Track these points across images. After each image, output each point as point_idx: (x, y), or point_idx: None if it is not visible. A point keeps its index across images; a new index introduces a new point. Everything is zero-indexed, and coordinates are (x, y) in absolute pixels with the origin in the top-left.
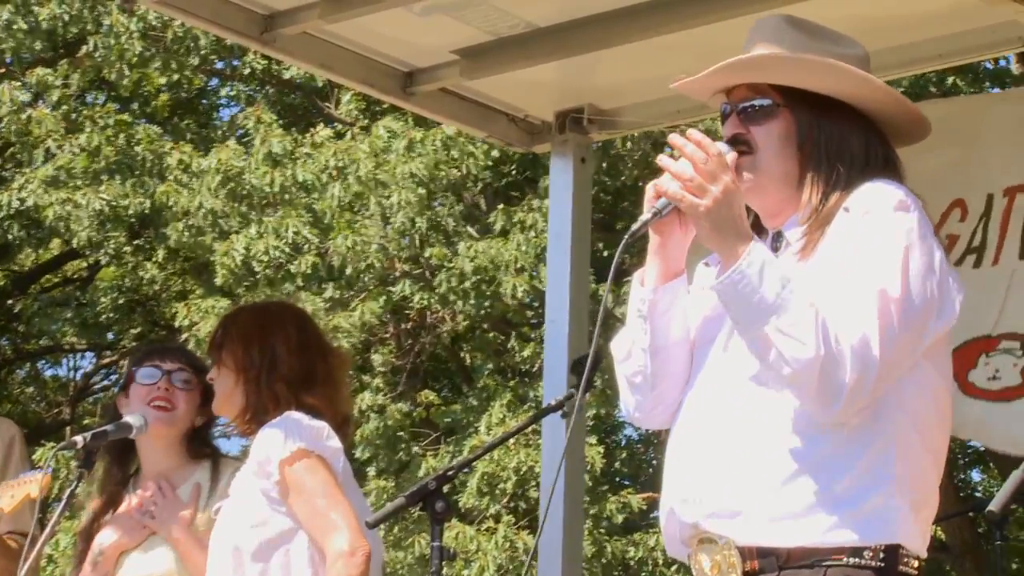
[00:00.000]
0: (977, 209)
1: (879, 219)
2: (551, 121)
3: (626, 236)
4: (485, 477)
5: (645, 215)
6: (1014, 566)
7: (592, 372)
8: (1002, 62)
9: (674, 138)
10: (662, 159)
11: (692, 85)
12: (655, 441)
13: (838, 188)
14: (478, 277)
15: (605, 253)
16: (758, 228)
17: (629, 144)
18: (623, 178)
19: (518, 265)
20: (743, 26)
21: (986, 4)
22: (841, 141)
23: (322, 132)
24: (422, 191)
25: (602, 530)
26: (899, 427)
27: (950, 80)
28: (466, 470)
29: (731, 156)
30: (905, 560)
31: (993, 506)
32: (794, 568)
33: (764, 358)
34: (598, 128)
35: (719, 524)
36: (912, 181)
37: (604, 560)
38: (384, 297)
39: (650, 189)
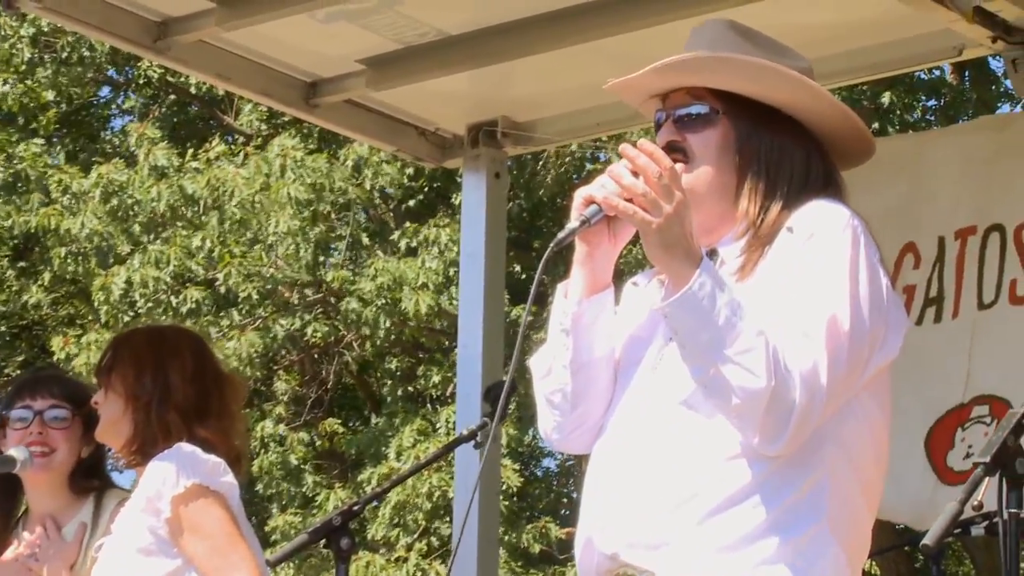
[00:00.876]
0: (930, 254)
1: (826, 243)
2: (463, 135)
3: (551, 245)
4: (397, 506)
5: (572, 223)
6: None
7: (507, 400)
8: (936, 72)
9: (626, 148)
10: (614, 169)
11: (626, 86)
12: (575, 473)
13: (777, 204)
14: (383, 299)
15: (523, 275)
16: None
17: (546, 159)
18: (540, 194)
19: (420, 283)
20: (667, 34)
21: (919, 13)
22: (782, 153)
23: (216, 148)
24: (306, 214)
25: (518, 562)
26: (834, 461)
27: (885, 96)
28: (375, 502)
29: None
30: None
31: (928, 540)
32: None
33: (709, 386)
34: (513, 142)
35: (641, 555)
36: None
37: None
38: (271, 333)
39: (579, 196)
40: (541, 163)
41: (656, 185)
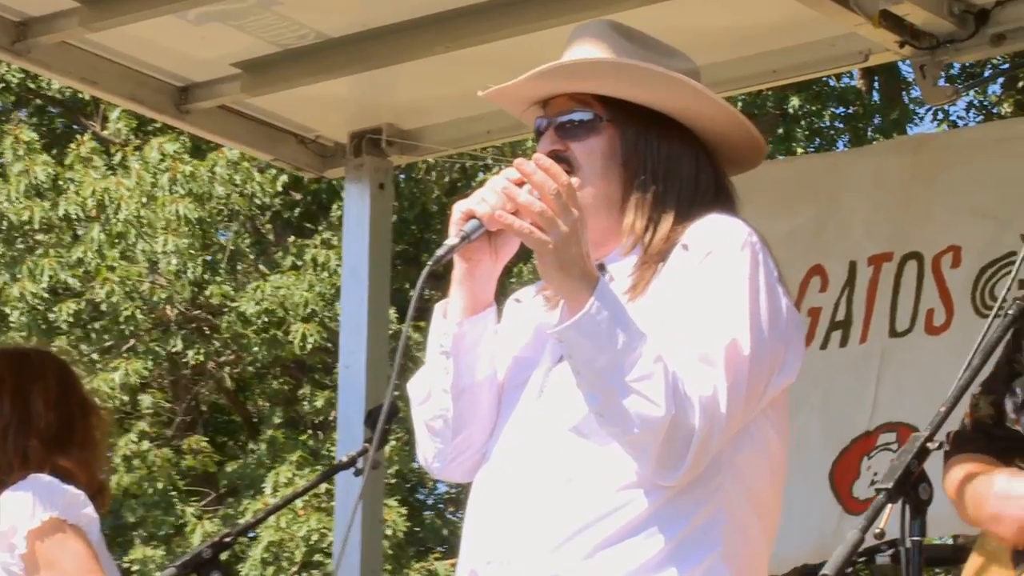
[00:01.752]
0: (839, 278)
1: (724, 262)
2: (345, 143)
3: (429, 263)
4: (271, 547)
5: (452, 240)
6: None
7: (387, 424)
8: (846, 79)
9: (521, 163)
10: (505, 184)
11: (504, 94)
12: (464, 499)
13: (668, 217)
14: (265, 320)
15: (411, 292)
16: None
17: (436, 168)
18: (429, 206)
19: (308, 310)
20: (560, 37)
21: (823, 16)
22: (670, 162)
23: (88, 144)
24: (195, 230)
25: None
26: (730, 490)
27: (793, 101)
28: (250, 535)
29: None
30: None
31: (828, 569)
32: None
33: (605, 415)
34: (399, 151)
35: None
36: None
37: None
38: (151, 356)
39: (457, 210)
40: (432, 172)
41: (552, 202)
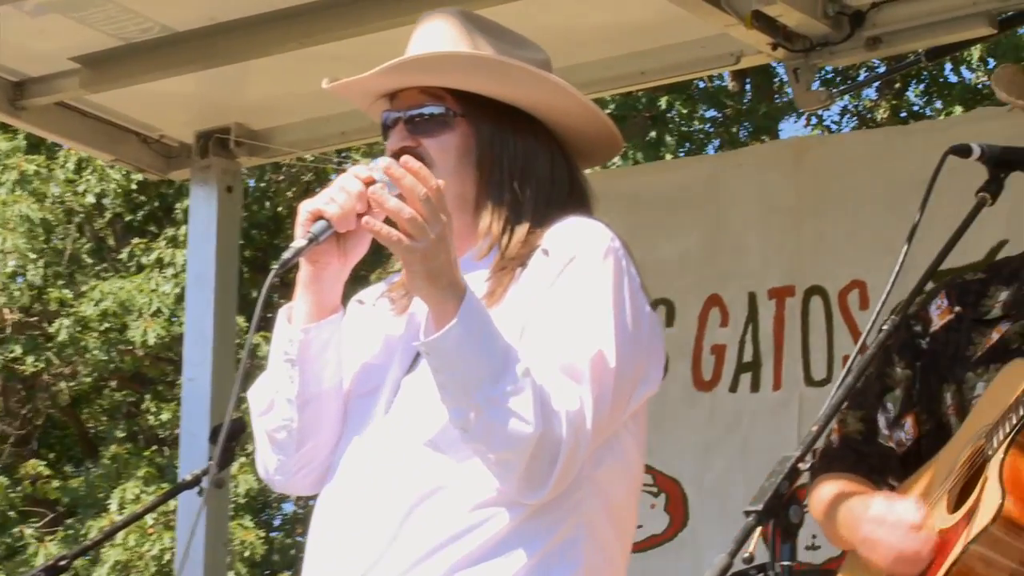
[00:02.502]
0: (739, 311)
1: (587, 270)
2: (191, 143)
3: (275, 267)
4: (118, 566)
5: (299, 242)
6: None
7: (231, 442)
8: (717, 80)
9: (391, 166)
10: (374, 191)
11: (351, 87)
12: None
13: (525, 219)
14: (106, 324)
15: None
16: None
17: (287, 170)
18: (279, 209)
19: (153, 309)
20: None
21: (694, 15)
22: (527, 161)
23: None
24: (36, 231)
25: None
26: (590, 506)
27: (663, 100)
28: (88, 555)
29: (364, 173)
30: None
31: None
32: None
33: (471, 430)
34: (247, 152)
35: None
36: (653, 273)
37: None
38: None
39: (303, 210)
40: (283, 174)
41: (422, 208)
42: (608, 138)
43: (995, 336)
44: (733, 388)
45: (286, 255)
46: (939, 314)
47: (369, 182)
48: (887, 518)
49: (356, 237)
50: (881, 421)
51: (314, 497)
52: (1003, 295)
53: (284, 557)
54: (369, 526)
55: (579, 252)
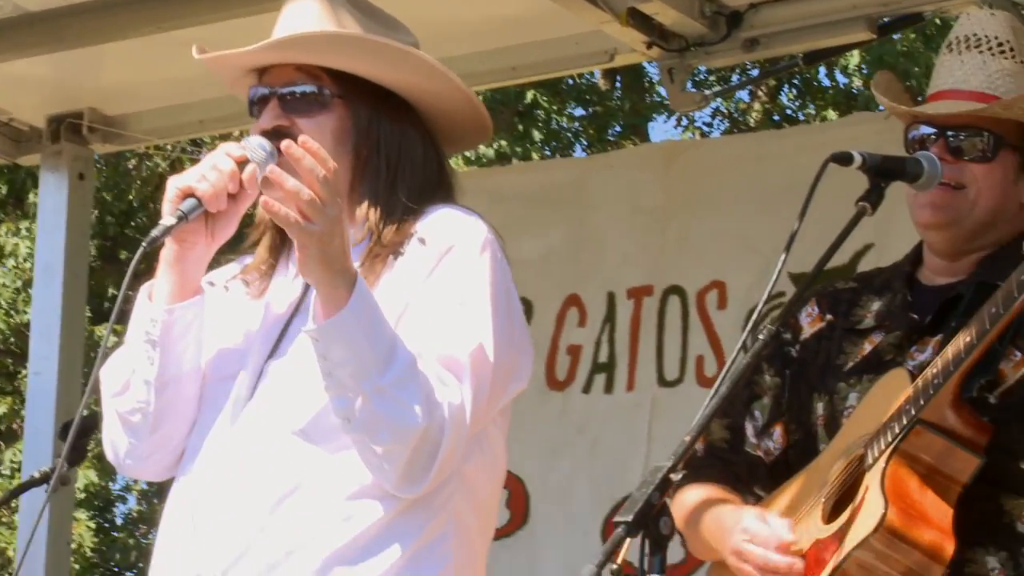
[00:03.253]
0: (597, 311)
1: (465, 263)
2: (42, 127)
3: (143, 243)
4: None
5: (168, 219)
6: None
7: (82, 439)
8: (587, 76)
9: (289, 146)
10: (274, 170)
11: (223, 61)
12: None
13: (399, 206)
14: None
15: (110, 291)
16: None
17: (140, 157)
18: (131, 198)
19: None
20: (274, 20)
21: (569, 11)
22: (403, 147)
23: None
24: None
25: None
26: (459, 502)
27: (529, 95)
28: None
29: (268, 164)
30: None
31: None
32: None
33: (355, 420)
34: (101, 138)
35: None
36: (514, 271)
37: None
38: None
39: (172, 187)
40: (135, 161)
41: (320, 189)
42: (479, 122)
43: (868, 347)
44: (586, 389)
45: (155, 232)
46: (810, 322)
47: (242, 161)
48: (759, 533)
49: (225, 217)
50: (749, 429)
51: (160, 495)
52: (875, 305)
53: (125, 556)
54: (235, 517)
55: (457, 243)
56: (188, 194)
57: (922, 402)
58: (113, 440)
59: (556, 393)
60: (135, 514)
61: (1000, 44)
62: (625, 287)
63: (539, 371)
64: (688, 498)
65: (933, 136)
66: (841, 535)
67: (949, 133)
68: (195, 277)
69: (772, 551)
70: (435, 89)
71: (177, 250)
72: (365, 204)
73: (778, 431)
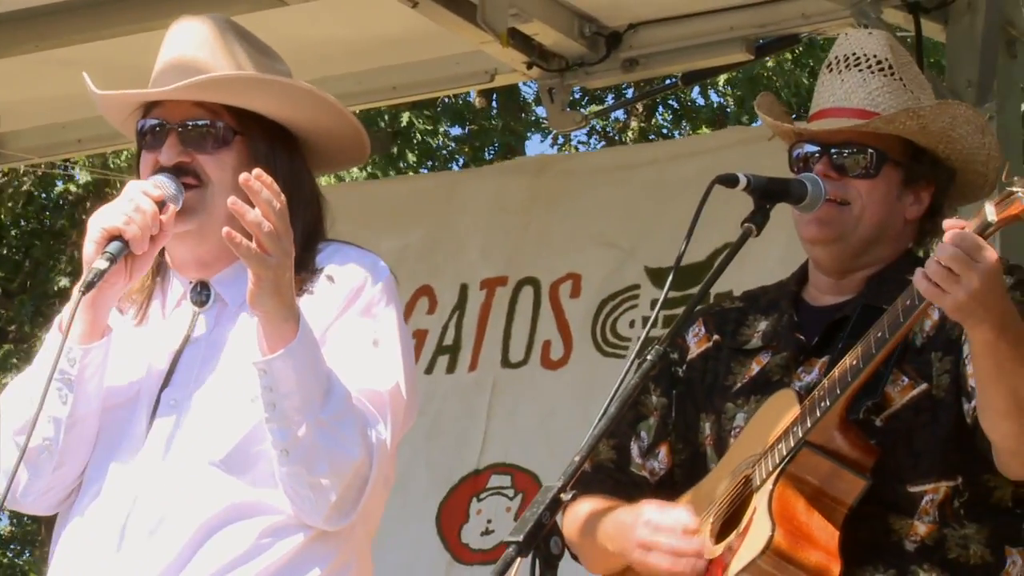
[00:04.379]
0: (448, 301)
1: (374, 304)
2: None
3: (80, 288)
4: None
5: (100, 263)
6: None
7: None
8: (463, 96)
9: (248, 179)
10: (236, 202)
11: (129, 99)
12: (37, 540)
13: (296, 240)
14: None
15: None
16: None
17: (14, 176)
18: (1, 218)
19: None
20: (155, 40)
21: (449, 31)
22: (295, 179)
23: None
24: None
25: None
26: (359, 533)
27: (404, 116)
28: None
29: (179, 202)
30: None
31: None
32: None
33: (294, 452)
34: None
35: None
36: None
37: None
38: None
39: (96, 227)
40: (2, 181)
41: (276, 221)
42: (359, 148)
43: (755, 367)
44: (429, 370)
45: (90, 277)
46: (696, 342)
47: (159, 200)
48: (663, 522)
49: (144, 258)
50: (634, 450)
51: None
52: (762, 325)
53: None
54: (155, 548)
55: (365, 284)
56: (114, 236)
57: (809, 424)
58: (8, 474)
59: None
60: (7, 533)
61: (879, 62)
62: (480, 279)
63: None
64: (580, 510)
65: (817, 154)
66: (729, 555)
67: (833, 150)
68: (106, 316)
69: (679, 536)
70: (327, 122)
71: (96, 291)
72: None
73: (663, 451)
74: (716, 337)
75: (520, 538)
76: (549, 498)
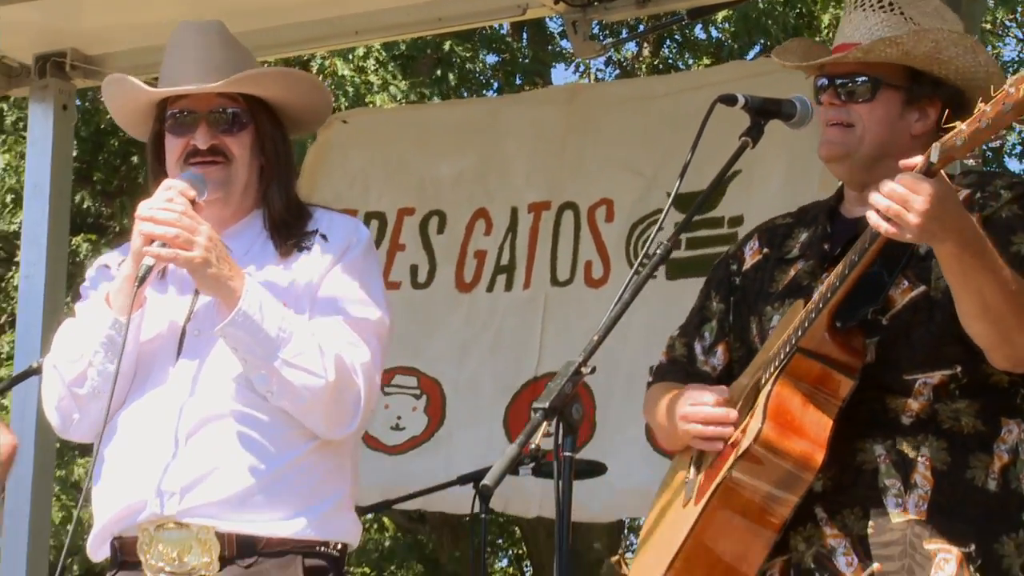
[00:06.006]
0: (501, 223)
1: (361, 259)
2: (30, 64)
3: (135, 284)
4: None
5: (149, 260)
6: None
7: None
8: (497, 27)
9: (141, 212)
10: (144, 227)
11: (163, 93)
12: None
13: (290, 203)
14: None
15: (84, 205)
16: None
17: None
18: (102, 127)
19: None
20: None
21: None
22: (284, 150)
23: None
24: None
25: (70, 495)
26: (348, 447)
27: (447, 45)
28: None
29: (191, 192)
30: (349, 551)
31: (488, 480)
32: (270, 556)
33: (275, 392)
34: (82, 75)
35: (200, 511)
36: (430, 190)
37: (70, 526)
38: None
39: (144, 225)
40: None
41: (183, 224)
42: (325, 116)
43: (792, 273)
44: (490, 288)
45: (141, 273)
46: (751, 255)
47: (193, 197)
48: (699, 395)
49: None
50: (698, 349)
51: None
52: (803, 236)
53: None
54: (193, 449)
55: (352, 243)
56: (156, 240)
57: (800, 332)
58: (56, 403)
59: (464, 295)
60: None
61: (880, 0)
62: (527, 202)
63: (449, 276)
64: (652, 395)
65: (825, 84)
66: (734, 446)
67: (838, 81)
68: (143, 294)
69: (711, 405)
70: (313, 99)
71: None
72: (270, 198)
73: (720, 349)
74: (766, 250)
75: (547, 405)
76: (571, 371)
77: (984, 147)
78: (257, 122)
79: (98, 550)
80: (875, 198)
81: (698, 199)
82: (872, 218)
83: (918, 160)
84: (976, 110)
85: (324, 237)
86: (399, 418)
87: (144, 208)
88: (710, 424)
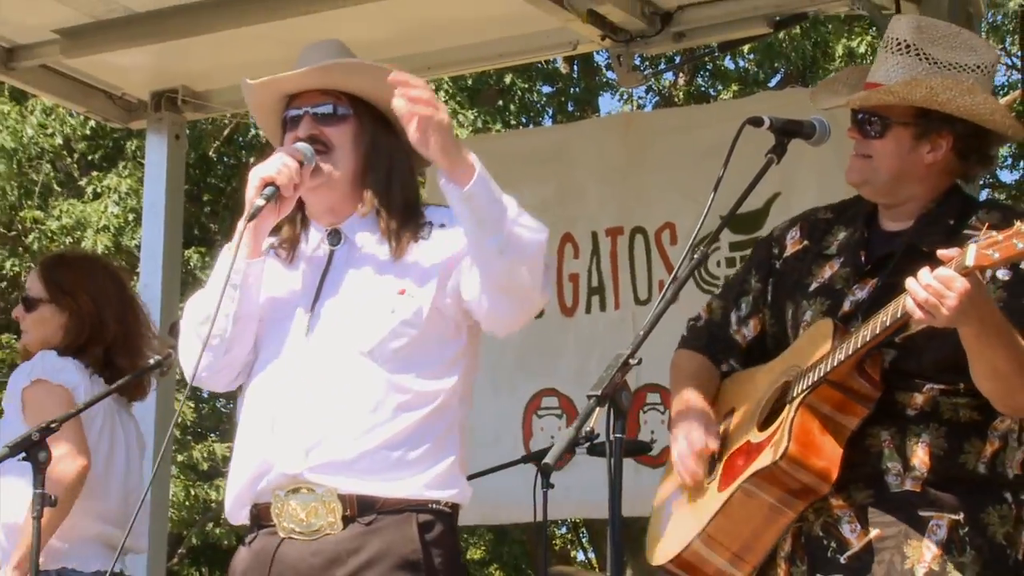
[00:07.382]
0: (586, 247)
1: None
2: (147, 100)
3: (245, 219)
4: None
5: (260, 201)
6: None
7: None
8: (553, 62)
9: (396, 76)
10: (398, 75)
11: (270, 84)
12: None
13: (398, 197)
14: (68, 237)
15: (196, 221)
16: None
17: (217, 122)
18: (209, 153)
19: (102, 224)
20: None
21: (541, 12)
22: (392, 150)
23: None
24: (16, 158)
25: (189, 477)
26: (458, 415)
27: (508, 78)
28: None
29: (313, 161)
30: (460, 510)
31: (549, 459)
32: (388, 514)
33: (506, 247)
34: (192, 108)
35: (323, 475)
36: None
37: (189, 503)
38: None
39: (255, 177)
40: (209, 125)
41: (428, 93)
42: None
43: (828, 271)
44: (588, 310)
45: (252, 211)
46: (792, 243)
47: (300, 160)
48: (690, 441)
49: (288, 201)
50: (733, 317)
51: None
52: (842, 235)
53: (212, 422)
54: (318, 411)
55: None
56: (268, 183)
57: (829, 368)
58: (193, 357)
59: (568, 319)
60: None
61: (899, 43)
62: (604, 227)
63: (553, 302)
64: (678, 360)
65: (853, 118)
66: (755, 451)
67: (859, 116)
68: (263, 241)
69: (689, 457)
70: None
71: (255, 222)
72: (371, 192)
73: (752, 323)
74: (806, 242)
75: (599, 393)
76: (620, 363)
77: None
78: (359, 118)
79: (237, 514)
80: (913, 287)
81: (730, 208)
82: (908, 304)
83: (954, 253)
84: (1014, 229)
85: (442, 225)
86: (552, 438)
87: (258, 168)
88: (686, 472)
